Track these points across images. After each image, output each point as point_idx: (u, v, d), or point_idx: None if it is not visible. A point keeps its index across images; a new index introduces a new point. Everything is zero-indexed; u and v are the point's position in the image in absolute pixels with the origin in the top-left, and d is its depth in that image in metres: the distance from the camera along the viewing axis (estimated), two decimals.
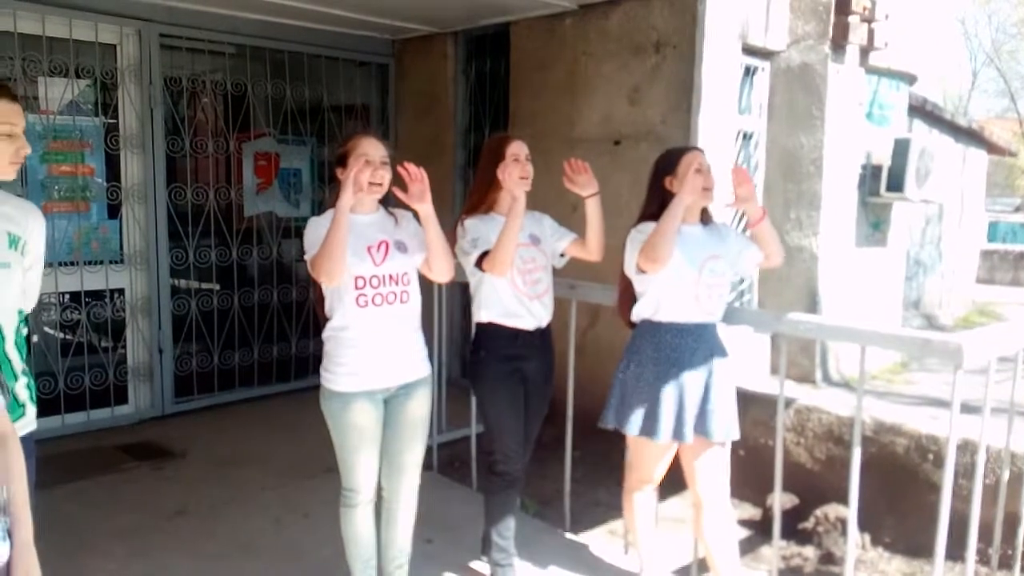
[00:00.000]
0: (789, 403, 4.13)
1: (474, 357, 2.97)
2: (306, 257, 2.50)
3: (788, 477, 3.14)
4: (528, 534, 3.34)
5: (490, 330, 2.89)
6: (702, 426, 2.67)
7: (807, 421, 4.14)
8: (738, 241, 2.84)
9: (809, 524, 3.86)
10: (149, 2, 4.64)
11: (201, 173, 5.29)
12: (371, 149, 2.51)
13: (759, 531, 3.92)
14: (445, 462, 4.22)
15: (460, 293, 5.25)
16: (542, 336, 2.96)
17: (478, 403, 3.02)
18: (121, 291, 4.85)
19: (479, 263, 2.75)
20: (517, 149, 2.84)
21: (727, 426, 2.70)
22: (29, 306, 2.15)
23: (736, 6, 4.40)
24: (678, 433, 2.66)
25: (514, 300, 2.86)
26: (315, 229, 2.50)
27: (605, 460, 4.14)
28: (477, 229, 2.80)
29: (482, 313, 2.91)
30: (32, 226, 2.07)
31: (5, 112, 1.94)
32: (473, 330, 2.98)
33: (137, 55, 4.72)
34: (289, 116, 5.55)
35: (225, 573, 3.10)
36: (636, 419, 2.71)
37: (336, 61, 5.66)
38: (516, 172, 2.77)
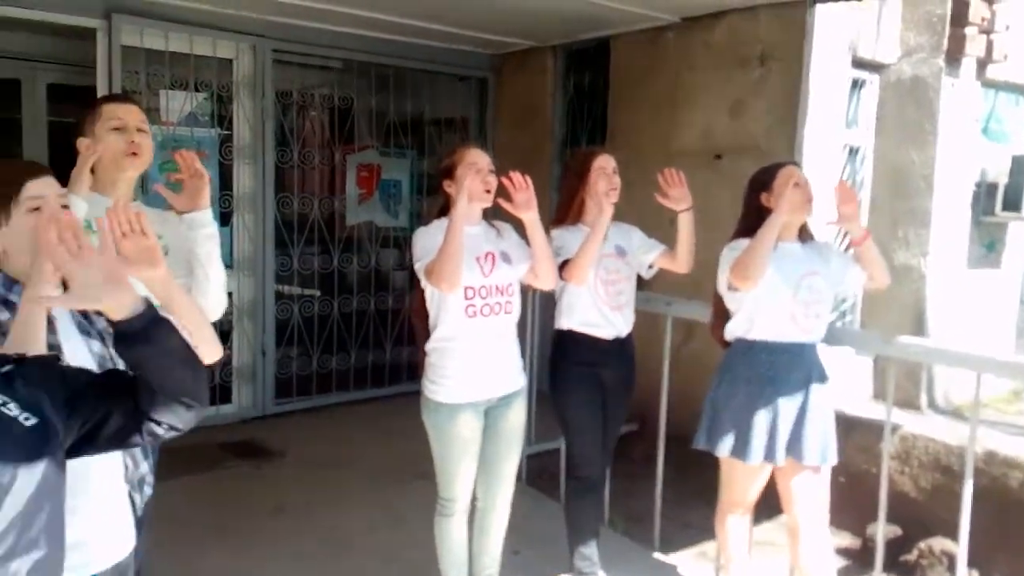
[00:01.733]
0: (894, 429, 3.96)
1: (553, 364, 3.00)
2: (417, 266, 2.54)
3: (891, 507, 3.01)
4: (616, 551, 3.32)
5: (568, 337, 2.93)
6: (796, 449, 2.59)
7: (912, 449, 3.96)
8: (840, 260, 2.75)
9: (912, 556, 3.69)
10: (264, 19, 4.85)
11: (307, 183, 5.49)
12: (479, 159, 2.56)
13: (858, 561, 3.77)
14: (534, 474, 4.23)
15: (551, 306, 5.26)
16: (621, 345, 2.97)
17: (556, 408, 3.03)
18: (229, 295, 5.06)
19: (560, 272, 2.77)
20: (604, 162, 2.86)
21: (822, 449, 2.61)
22: (216, 309, 2.18)
23: (846, 18, 4.28)
24: (770, 455, 2.59)
25: (594, 309, 2.89)
26: (426, 239, 2.54)
27: (697, 480, 4.04)
28: (562, 238, 2.84)
29: (563, 320, 2.95)
30: (168, 229, 2.17)
31: (111, 111, 2.11)
32: (553, 337, 3.01)
33: (252, 70, 4.95)
34: (391, 129, 5.70)
35: (322, 571, 3.20)
36: (727, 440, 2.65)
37: (437, 75, 5.80)
38: (603, 185, 2.78)
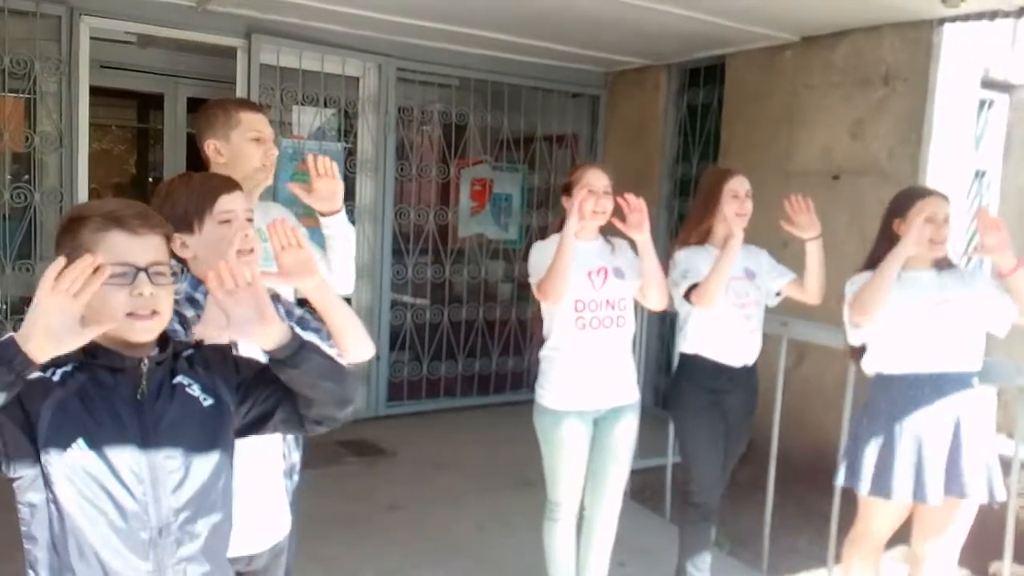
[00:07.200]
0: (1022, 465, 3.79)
1: (675, 387, 3.00)
2: (531, 280, 2.65)
3: (1017, 545, 2.90)
4: (723, 571, 3.31)
5: (694, 361, 2.89)
6: (956, 486, 2.45)
7: None
8: (989, 289, 2.55)
9: None
10: (390, 39, 5.08)
11: (423, 196, 5.69)
12: (595, 180, 2.63)
13: None
14: (637, 489, 4.25)
15: (658, 323, 5.27)
16: (747, 373, 2.92)
17: (677, 433, 3.03)
18: (348, 299, 5.31)
19: (687, 295, 2.78)
20: (737, 185, 2.82)
21: (988, 485, 2.47)
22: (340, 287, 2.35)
23: (975, 38, 4.15)
24: (919, 493, 2.46)
25: (723, 334, 2.85)
26: (540, 253, 2.65)
27: (805, 506, 4.00)
28: (689, 261, 2.82)
29: (687, 344, 2.91)
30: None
31: (251, 121, 2.23)
32: (676, 359, 3.02)
33: (376, 87, 5.19)
34: (504, 144, 5.86)
35: (434, 570, 3.32)
36: (866, 477, 2.53)
37: (551, 92, 5.91)
38: (733, 208, 2.78)
